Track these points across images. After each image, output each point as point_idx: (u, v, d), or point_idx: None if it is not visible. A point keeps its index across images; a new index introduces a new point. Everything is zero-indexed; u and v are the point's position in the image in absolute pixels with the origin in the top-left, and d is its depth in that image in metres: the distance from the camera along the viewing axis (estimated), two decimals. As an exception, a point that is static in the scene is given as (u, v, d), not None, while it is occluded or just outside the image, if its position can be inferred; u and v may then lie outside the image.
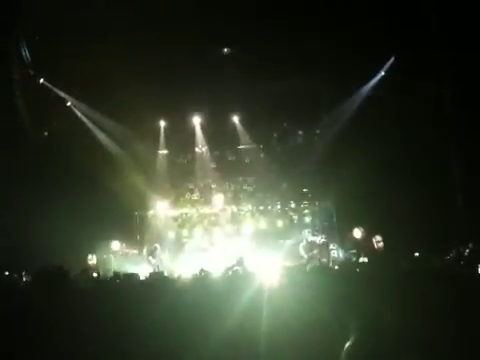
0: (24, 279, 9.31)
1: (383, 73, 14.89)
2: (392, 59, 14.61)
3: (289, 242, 14.31)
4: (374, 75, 15.01)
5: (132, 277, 9.04)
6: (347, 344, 3.94)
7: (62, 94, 15.16)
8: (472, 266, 7.51)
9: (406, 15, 12.91)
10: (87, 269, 10.95)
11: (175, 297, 7.23)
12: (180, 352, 5.90)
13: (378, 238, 12.79)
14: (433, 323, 5.79)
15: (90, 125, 15.39)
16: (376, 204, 13.19)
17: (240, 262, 10.82)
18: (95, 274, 10.62)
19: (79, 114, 15.41)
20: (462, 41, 12.35)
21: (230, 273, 8.97)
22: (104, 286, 8.38)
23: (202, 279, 8.26)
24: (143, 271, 11.14)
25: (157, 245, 13.87)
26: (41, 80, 14.84)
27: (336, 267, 9.64)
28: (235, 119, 16.13)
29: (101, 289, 8.01)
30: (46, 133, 15.02)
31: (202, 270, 8.13)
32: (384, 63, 14.77)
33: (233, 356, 5.94)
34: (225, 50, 15.20)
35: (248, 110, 15.62)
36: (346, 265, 10.05)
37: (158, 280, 8.75)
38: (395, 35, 13.21)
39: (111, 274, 10.10)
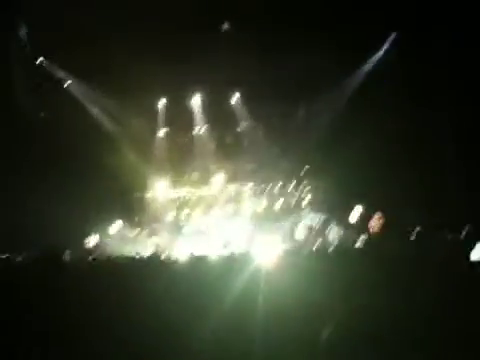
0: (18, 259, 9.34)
1: (387, 47, 14.64)
2: (394, 34, 14.34)
3: (287, 224, 14.32)
4: (378, 49, 14.78)
5: (130, 259, 9.09)
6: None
7: (60, 74, 15.03)
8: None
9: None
10: (85, 251, 11.02)
11: (172, 279, 7.27)
12: (178, 334, 5.95)
13: (378, 215, 12.78)
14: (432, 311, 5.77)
15: (88, 105, 15.32)
16: (378, 182, 13.09)
17: (226, 245, 10.77)
18: (92, 256, 10.67)
19: (78, 94, 15.31)
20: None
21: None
22: (102, 268, 8.43)
23: (198, 262, 8.28)
24: (142, 252, 11.19)
25: (156, 226, 13.93)
26: (39, 59, 14.71)
27: (332, 249, 9.63)
28: (235, 98, 16.01)
29: (99, 271, 8.05)
30: (42, 114, 14.91)
31: (192, 255, 8.16)
32: (387, 38, 14.52)
33: (230, 337, 5.99)
34: (225, 26, 14.96)
35: (248, 88, 15.45)
36: (343, 248, 10.03)
37: (156, 261, 8.80)
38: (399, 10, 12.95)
39: (109, 256, 10.14)
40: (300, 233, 13.39)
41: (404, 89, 13.31)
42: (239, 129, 16.22)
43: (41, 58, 14.74)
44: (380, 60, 14.71)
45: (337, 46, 13.48)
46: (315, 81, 14.76)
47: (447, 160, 12.96)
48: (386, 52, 14.67)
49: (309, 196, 15.31)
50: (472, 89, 12.10)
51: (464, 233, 8.15)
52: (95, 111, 15.41)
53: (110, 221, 13.89)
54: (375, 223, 12.83)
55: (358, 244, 11.08)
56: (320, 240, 12.94)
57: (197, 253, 8.89)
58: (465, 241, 7.47)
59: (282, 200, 15.19)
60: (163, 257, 9.41)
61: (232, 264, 7.95)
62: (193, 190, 15.57)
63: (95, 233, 13.21)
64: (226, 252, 8.49)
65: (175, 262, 8.67)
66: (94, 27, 13.15)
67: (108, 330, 6.12)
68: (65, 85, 15.26)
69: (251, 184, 15.74)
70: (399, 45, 14.12)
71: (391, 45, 14.49)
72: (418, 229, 11.02)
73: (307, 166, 15.71)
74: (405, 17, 13.07)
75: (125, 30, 13.34)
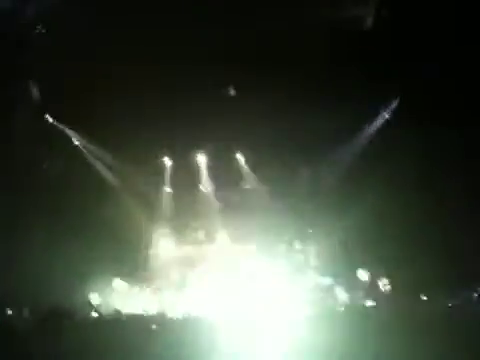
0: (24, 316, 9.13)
1: (388, 113, 14.88)
2: (397, 100, 14.61)
3: (296, 285, 14.09)
4: (382, 110, 14.98)
5: (135, 317, 8.89)
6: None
7: (68, 132, 15.21)
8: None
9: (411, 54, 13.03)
10: (90, 308, 10.80)
11: (178, 337, 7.09)
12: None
13: (385, 281, 12.64)
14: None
15: (95, 163, 15.43)
16: (384, 245, 12.99)
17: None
18: (97, 314, 10.43)
19: (85, 152, 15.46)
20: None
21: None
22: (107, 326, 8.23)
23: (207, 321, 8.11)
24: (146, 310, 10.99)
25: (161, 284, 13.74)
26: (48, 118, 14.93)
27: (342, 310, 9.45)
28: (240, 158, 16.10)
29: (104, 329, 7.85)
30: (51, 170, 14.96)
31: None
32: (390, 102, 14.77)
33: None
34: (230, 89, 15.30)
35: (253, 149, 15.59)
36: (354, 309, 9.85)
37: (161, 320, 8.61)
38: (400, 75, 13.29)
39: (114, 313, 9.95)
40: (309, 293, 13.14)
41: (411, 152, 13.48)
42: (244, 189, 16.26)
43: (47, 115, 14.91)
44: (385, 122, 14.87)
45: (341, 108, 13.80)
46: (320, 143, 15.03)
47: (458, 221, 12.92)
48: (390, 115, 14.92)
49: (314, 259, 15.15)
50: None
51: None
52: (100, 168, 15.47)
53: (114, 277, 13.68)
54: (383, 288, 12.68)
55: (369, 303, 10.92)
56: (330, 301, 12.72)
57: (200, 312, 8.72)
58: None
59: (287, 261, 15.00)
60: (168, 315, 9.20)
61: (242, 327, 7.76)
62: (197, 248, 15.44)
63: (99, 289, 12.97)
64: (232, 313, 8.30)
65: (180, 321, 8.49)
66: (102, 86, 13.48)
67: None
68: (73, 143, 15.39)
69: (254, 246, 15.62)
70: (402, 109, 14.41)
71: (394, 109, 14.76)
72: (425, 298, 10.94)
73: (310, 230, 15.66)
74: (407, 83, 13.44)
75: (132, 90, 13.65)
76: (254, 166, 16.08)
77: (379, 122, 15.07)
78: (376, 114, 15.07)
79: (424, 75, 12.96)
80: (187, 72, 13.49)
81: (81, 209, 13.66)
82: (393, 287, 12.53)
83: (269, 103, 14.02)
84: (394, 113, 14.77)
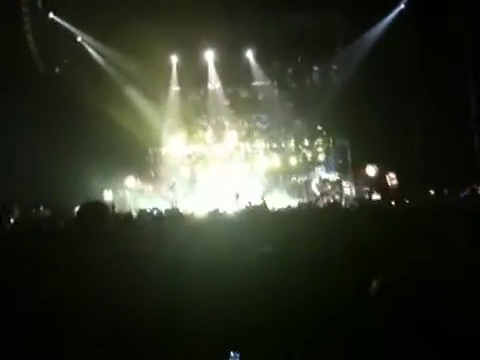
0: (44, 214, 9.45)
1: (402, 6, 14.28)
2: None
3: (302, 179, 14.38)
4: (392, 8, 14.41)
5: (147, 213, 9.17)
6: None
7: (72, 29, 14.86)
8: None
9: None
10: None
11: (190, 233, 7.35)
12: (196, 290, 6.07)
13: (392, 175, 12.78)
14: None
15: (101, 61, 15.18)
16: (391, 141, 13.00)
17: (237, 196, 10.70)
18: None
19: (90, 50, 15.18)
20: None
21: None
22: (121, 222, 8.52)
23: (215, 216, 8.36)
24: (159, 207, 11.29)
25: (175, 180, 14.06)
26: (51, 15, 14.53)
27: (347, 206, 9.69)
28: (249, 55, 15.76)
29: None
30: (57, 69, 14.79)
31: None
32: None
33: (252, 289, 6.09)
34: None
35: (262, 45, 15.21)
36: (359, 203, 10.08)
37: (174, 216, 8.87)
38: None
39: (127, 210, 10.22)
40: (315, 188, 13.46)
41: (420, 48, 13.09)
42: (253, 86, 16.09)
43: (52, 14, 14.50)
44: (395, 19, 14.32)
45: (352, 5, 13.27)
46: (330, 40, 14.63)
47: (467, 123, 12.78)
48: (401, 11, 14.31)
49: (322, 155, 15.32)
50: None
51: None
52: (107, 67, 15.23)
53: (127, 175, 14.01)
54: (389, 183, 12.85)
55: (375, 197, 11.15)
56: (336, 195, 13.04)
57: (212, 207, 8.96)
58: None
59: (295, 158, 15.20)
60: (181, 210, 9.46)
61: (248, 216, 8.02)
62: (207, 146, 15.61)
63: (112, 186, 13.34)
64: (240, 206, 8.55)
65: (192, 215, 8.75)
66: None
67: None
68: (78, 39, 15.07)
69: (264, 142, 15.77)
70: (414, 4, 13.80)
71: (406, 4, 14.13)
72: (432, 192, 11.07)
73: (319, 127, 15.67)
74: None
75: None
76: (262, 63, 15.76)
77: (390, 18, 14.45)
78: (387, 11, 14.41)
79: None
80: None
81: (90, 109, 13.58)
82: (400, 182, 12.69)
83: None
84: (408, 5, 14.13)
